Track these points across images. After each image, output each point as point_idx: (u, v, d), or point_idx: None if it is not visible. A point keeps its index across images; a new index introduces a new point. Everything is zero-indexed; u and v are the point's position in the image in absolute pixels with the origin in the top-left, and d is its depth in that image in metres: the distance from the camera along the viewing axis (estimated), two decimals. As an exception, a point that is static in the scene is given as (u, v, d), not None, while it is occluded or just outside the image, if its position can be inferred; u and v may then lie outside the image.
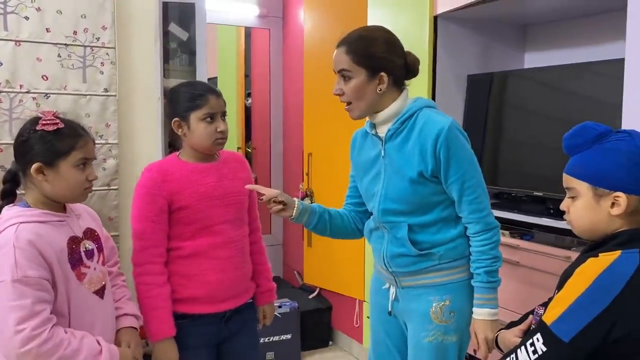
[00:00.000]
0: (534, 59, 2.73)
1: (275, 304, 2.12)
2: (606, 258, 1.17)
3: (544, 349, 1.17)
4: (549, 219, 2.12)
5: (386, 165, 1.67)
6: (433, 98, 2.56)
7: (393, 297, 1.76)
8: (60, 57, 2.50)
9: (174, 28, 3.01)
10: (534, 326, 1.34)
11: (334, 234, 1.88)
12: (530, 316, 1.41)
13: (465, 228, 1.65)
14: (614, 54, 2.09)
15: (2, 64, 2.41)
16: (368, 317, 2.15)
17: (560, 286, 1.25)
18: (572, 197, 1.27)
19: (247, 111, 4.66)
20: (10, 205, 1.52)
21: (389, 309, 1.77)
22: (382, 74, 1.61)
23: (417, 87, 2.26)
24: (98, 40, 2.57)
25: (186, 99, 1.77)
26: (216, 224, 1.79)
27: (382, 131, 1.68)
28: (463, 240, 1.66)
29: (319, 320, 3.49)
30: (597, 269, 1.16)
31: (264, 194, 1.73)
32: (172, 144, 1.91)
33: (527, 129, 2.42)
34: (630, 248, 1.17)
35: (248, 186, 1.78)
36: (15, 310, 1.35)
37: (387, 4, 2.78)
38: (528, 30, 2.75)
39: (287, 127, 4.10)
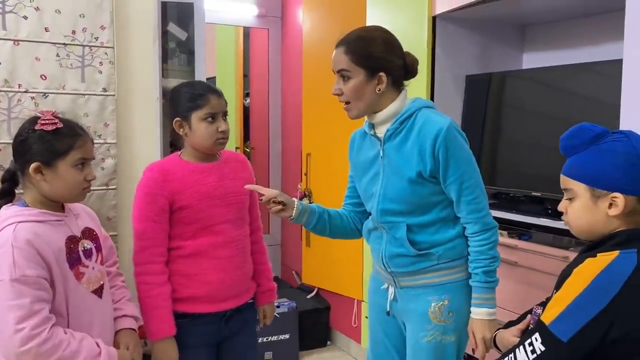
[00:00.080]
0: (532, 60, 2.73)
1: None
2: (604, 258, 1.17)
3: (543, 348, 1.17)
4: (547, 219, 2.13)
5: (385, 165, 1.68)
6: (431, 98, 2.56)
7: (392, 297, 1.76)
8: (58, 56, 2.50)
9: (172, 28, 3.01)
10: (532, 326, 1.34)
11: (333, 234, 1.88)
12: (529, 316, 1.41)
13: (464, 228, 1.66)
14: (612, 55, 2.09)
15: (0, 64, 2.40)
16: (366, 317, 2.16)
17: (558, 286, 1.25)
18: (570, 198, 1.28)
19: (246, 111, 4.66)
20: (9, 204, 1.53)
21: (388, 309, 1.77)
22: (381, 74, 1.61)
23: (416, 88, 2.26)
24: (97, 40, 2.57)
25: (187, 98, 1.77)
26: (217, 223, 1.80)
27: (381, 131, 1.68)
28: (461, 240, 1.67)
29: (317, 320, 3.49)
30: (595, 269, 1.16)
31: (264, 194, 1.73)
32: (173, 143, 1.91)
33: (525, 129, 2.42)
34: (628, 248, 1.18)
35: (247, 186, 1.78)
36: (14, 310, 1.35)
37: (385, 4, 2.78)
38: (526, 31, 2.76)
39: (286, 127, 4.10)
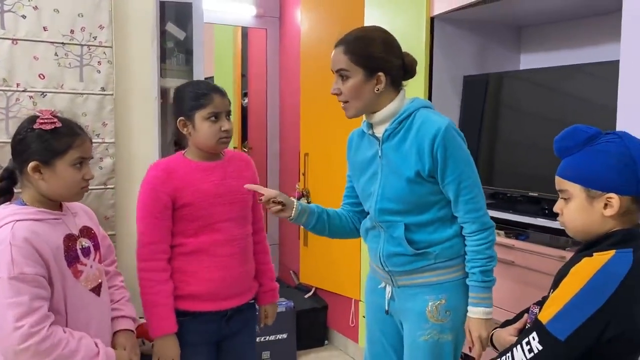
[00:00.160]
0: (529, 61, 2.74)
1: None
2: (600, 258, 1.18)
3: (540, 347, 1.18)
4: (544, 219, 2.13)
5: (383, 165, 1.68)
6: (429, 99, 2.56)
7: (389, 296, 1.76)
8: (57, 55, 2.50)
9: (171, 27, 3.02)
10: (529, 325, 1.35)
11: (332, 234, 1.89)
12: (525, 315, 1.42)
13: (461, 228, 1.66)
14: (608, 56, 2.10)
15: (-1, 63, 2.41)
16: (364, 317, 2.16)
17: (555, 285, 1.26)
18: (565, 199, 1.29)
19: (244, 111, 4.66)
20: (7, 203, 1.53)
21: (386, 308, 1.78)
22: (380, 74, 1.62)
23: (414, 88, 2.27)
24: (95, 39, 2.57)
25: (191, 98, 1.78)
26: (219, 221, 1.81)
27: (379, 131, 1.69)
28: (459, 239, 1.67)
29: (314, 319, 3.50)
30: (591, 269, 1.17)
31: (263, 194, 1.74)
32: (178, 142, 1.93)
33: (522, 129, 2.43)
34: (624, 248, 1.19)
35: (247, 186, 1.78)
36: (12, 307, 1.35)
37: (384, 5, 2.79)
38: (523, 32, 2.76)
39: (284, 127, 4.10)
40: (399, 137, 1.64)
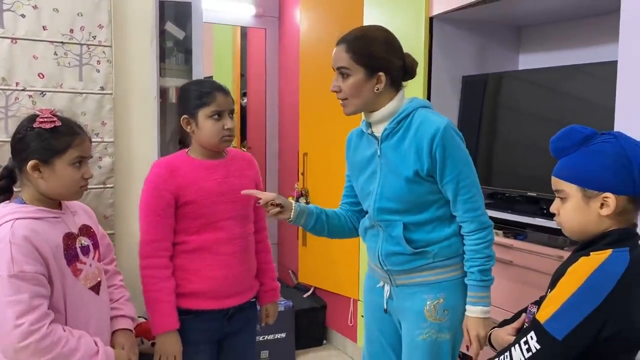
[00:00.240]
0: (528, 61, 2.74)
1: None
2: (597, 257, 1.19)
3: (538, 347, 1.18)
4: (542, 219, 2.14)
5: (382, 164, 1.69)
6: (428, 99, 2.57)
7: (387, 295, 1.77)
8: (56, 55, 2.50)
9: (170, 27, 3.02)
10: (527, 324, 1.36)
11: (331, 234, 1.89)
12: (523, 314, 1.42)
13: (460, 227, 1.67)
14: (607, 56, 2.11)
15: (-2, 62, 2.41)
16: (362, 316, 2.17)
17: (552, 285, 1.26)
18: (562, 199, 1.29)
19: (243, 111, 4.66)
20: (7, 201, 1.53)
21: (384, 307, 1.78)
22: (380, 74, 1.62)
23: (413, 88, 2.27)
24: (94, 39, 2.57)
25: (195, 96, 1.79)
26: (221, 220, 1.82)
27: (378, 130, 1.69)
28: (457, 239, 1.68)
29: (313, 319, 3.50)
30: (588, 268, 1.17)
31: (261, 198, 1.74)
32: (182, 141, 1.94)
33: (521, 130, 2.43)
34: (620, 247, 1.19)
35: (244, 191, 1.79)
36: (12, 305, 1.36)
37: (383, 5, 2.79)
38: (523, 32, 2.77)
39: (283, 126, 4.11)
40: (397, 137, 1.65)
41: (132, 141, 2.73)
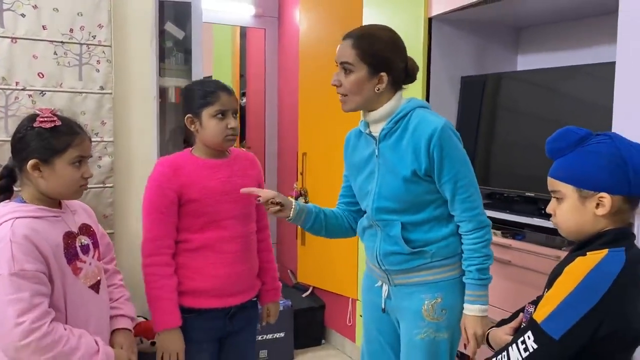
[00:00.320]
0: (527, 61, 2.75)
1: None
2: (594, 257, 1.19)
3: (535, 346, 1.19)
4: (540, 219, 2.14)
5: (380, 164, 1.69)
6: (427, 99, 2.57)
7: (385, 294, 1.78)
8: (56, 54, 2.51)
9: (170, 27, 3.02)
10: (524, 324, 1.36)
11: (329, 234, 1.90)
12: (521, 314, 1.43)
13: (457, 226, 1.67)
14: (605, 57, 2.11)
15: (-2, 61, 2.41)
16: (361, 316, 2.17)
17: (549, 284, 1.27)
18: (558, 200, 1.30)
19: (242, 111, 4.66)
20: (7, 201, 1.54)
21: (383, 307, 1.79)
22: (383, 73, 1.63)
23: (412, 88, 2.27)
24: (94, 39, 2.57)
25: (199, 96, 1.80)
26: (224, 218, 1.82)
27: (376, 130, 1.70)
28: (455, 238, 1.68)
29: (312, 318, 3.50)
30: (585, 268, 1.18)
31: (261, 196, 1.75)
32: (186, 140, 1.95)
33: (519, 130, 2.44)
34: (616, 247, 1.20)
35: (243, 190, 1.79)
36: (13, 304, 1.36)
37: (382, 5, 2.80)
38: (521, 33, 2.78)
39: (282, 126, 4.11)
40: (395, 137, 1.66)
41: (132, 141, 2.73)
